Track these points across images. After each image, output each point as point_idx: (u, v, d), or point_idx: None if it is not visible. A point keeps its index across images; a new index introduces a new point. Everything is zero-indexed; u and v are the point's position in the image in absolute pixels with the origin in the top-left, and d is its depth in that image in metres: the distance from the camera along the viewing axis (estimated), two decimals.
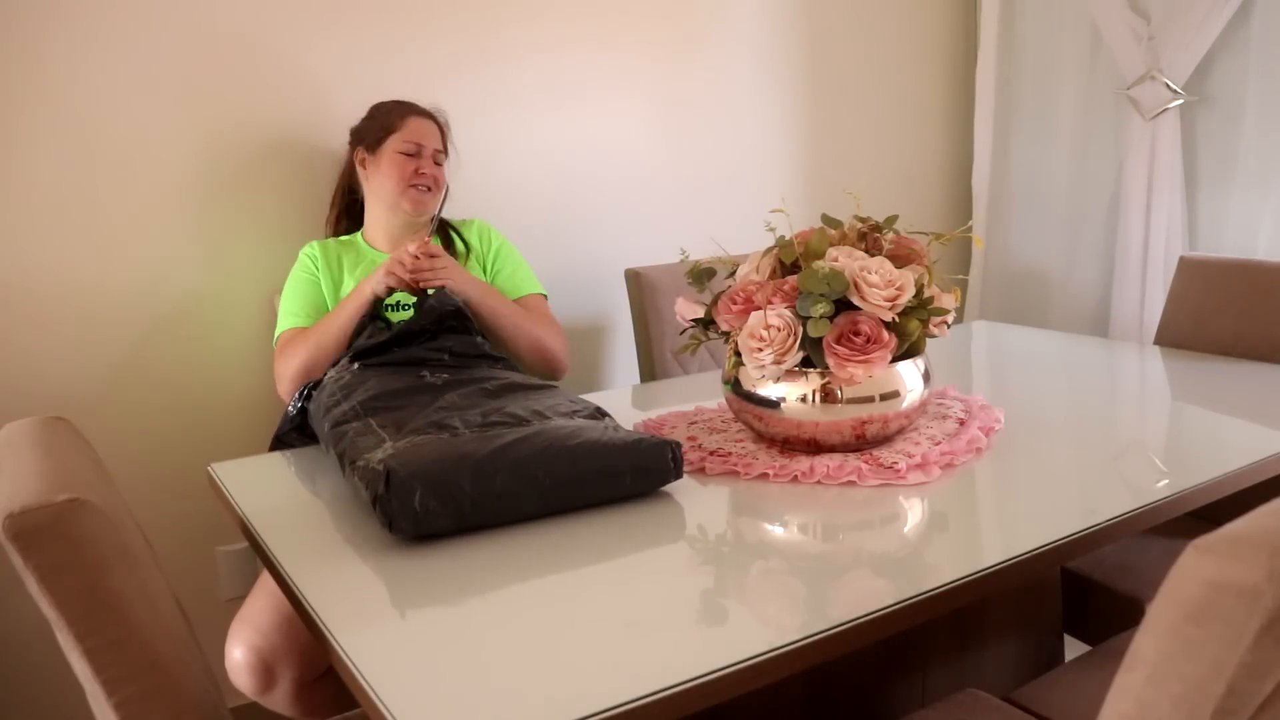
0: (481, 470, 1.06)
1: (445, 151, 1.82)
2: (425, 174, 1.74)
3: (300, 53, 1.90)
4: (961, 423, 1.37)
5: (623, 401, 1.69)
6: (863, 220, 1.33)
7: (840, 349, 1.19)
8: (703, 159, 2.43)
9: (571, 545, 1.05)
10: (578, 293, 2.27)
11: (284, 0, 1.86)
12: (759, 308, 1.24)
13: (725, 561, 1.02)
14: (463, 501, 1.05)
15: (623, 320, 2.27)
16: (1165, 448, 1.37)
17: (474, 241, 1.81)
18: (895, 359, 1.23)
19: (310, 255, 1.75)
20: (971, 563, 0.96)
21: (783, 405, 1.24)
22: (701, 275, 1.36)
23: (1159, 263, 2.39)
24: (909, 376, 1.25)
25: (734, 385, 1.30)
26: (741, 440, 1.34)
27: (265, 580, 1.50)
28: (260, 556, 1.11)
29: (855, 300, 1.21)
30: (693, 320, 1.37)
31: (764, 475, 1.23)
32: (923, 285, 1.25)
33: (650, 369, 2.06)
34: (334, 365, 1.49)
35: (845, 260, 1.23)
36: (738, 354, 1.26)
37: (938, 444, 1.28)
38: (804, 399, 1.23)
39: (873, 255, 1.26)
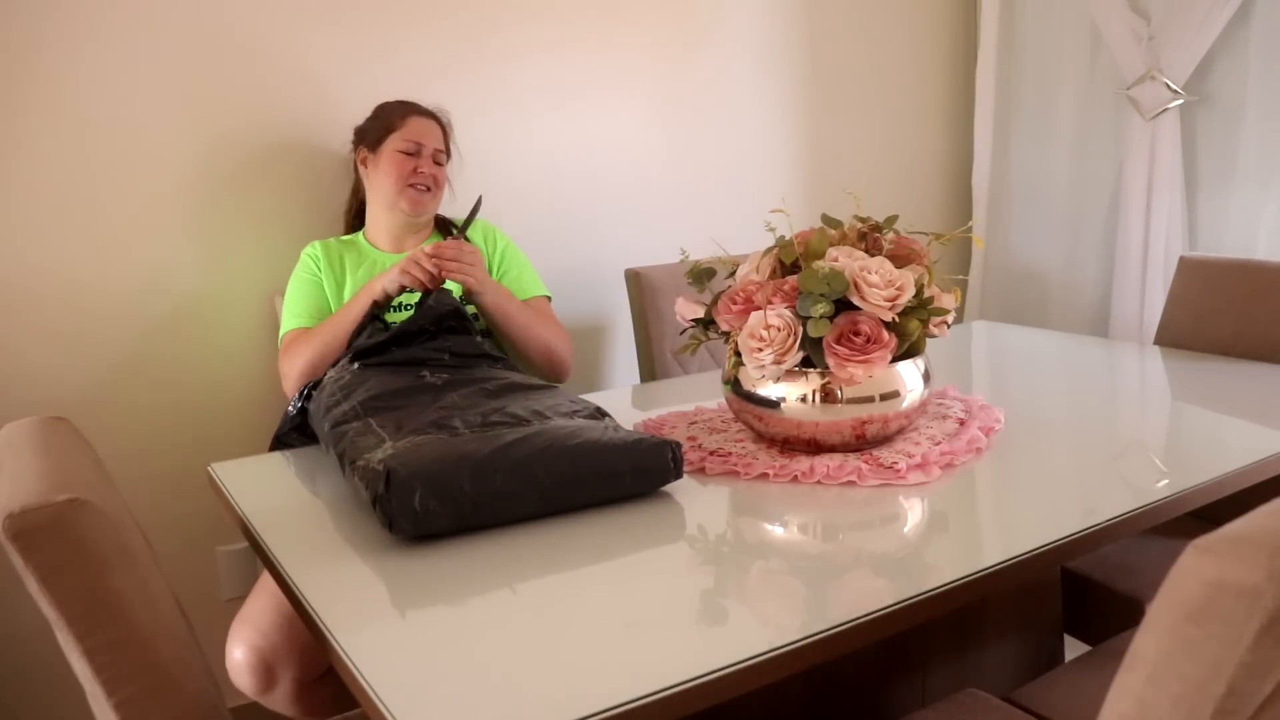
0: (481, 470, 1.06)
1: (447, 152, 1.82)
2: (424, 173, 1.73)
3: (300, 53, 1.90)
4: (961, 423, 1.37)
5: (623, 401, 1.69)
6: (863, 220, 1.33)
7: (840, 349, 1.19)
8: (703, 159, 2.43)
9: (571, 545, 1.05)
10: (578, 293, 2.27)
11: (284, 0, 1.87)
12: (759, 308, 1.24)
13: (725, 561, 1.02)
14: (463, 501, 1.05)
15: (623, 320, 2.27)
16: (1165, 448, 1.37)
17: (479, 242, 1.81)
18: (895, 359, 1.23)
19: (312, 256, 1.75)
20: (971, 563, 0.96)
21: (783, 405, 1.24)
22: (701, 275, 1.36)
23: (1159, 263, 2.39)
24: (909, 376, 1.25)
25: (734, 385, 1.30)
26: (741, 440, 1.34)
27: (266, 580, 1.50)
28: (260, 556, 1.11)
29: (855, 300, 1.21)
30: (693, 320, 1.37)
31: (764, 475, 1.23)
32: (923, 285, 1.25)
33: (650, 369, 2.06)
34: (334, 365, 1.49)
35: (845, 260, 1.23)
36: (738, 354, 1.26)
37: (938, 444, 1.28)
38: (804, 399, 1.23)
39: (873, 255, 1.26)
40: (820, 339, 1.20)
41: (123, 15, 1.73)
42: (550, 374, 1.72)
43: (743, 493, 1.20)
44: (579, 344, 2.24)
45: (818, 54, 2.58)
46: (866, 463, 1.23)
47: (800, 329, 1.21)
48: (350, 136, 1.82)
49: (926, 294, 1.26)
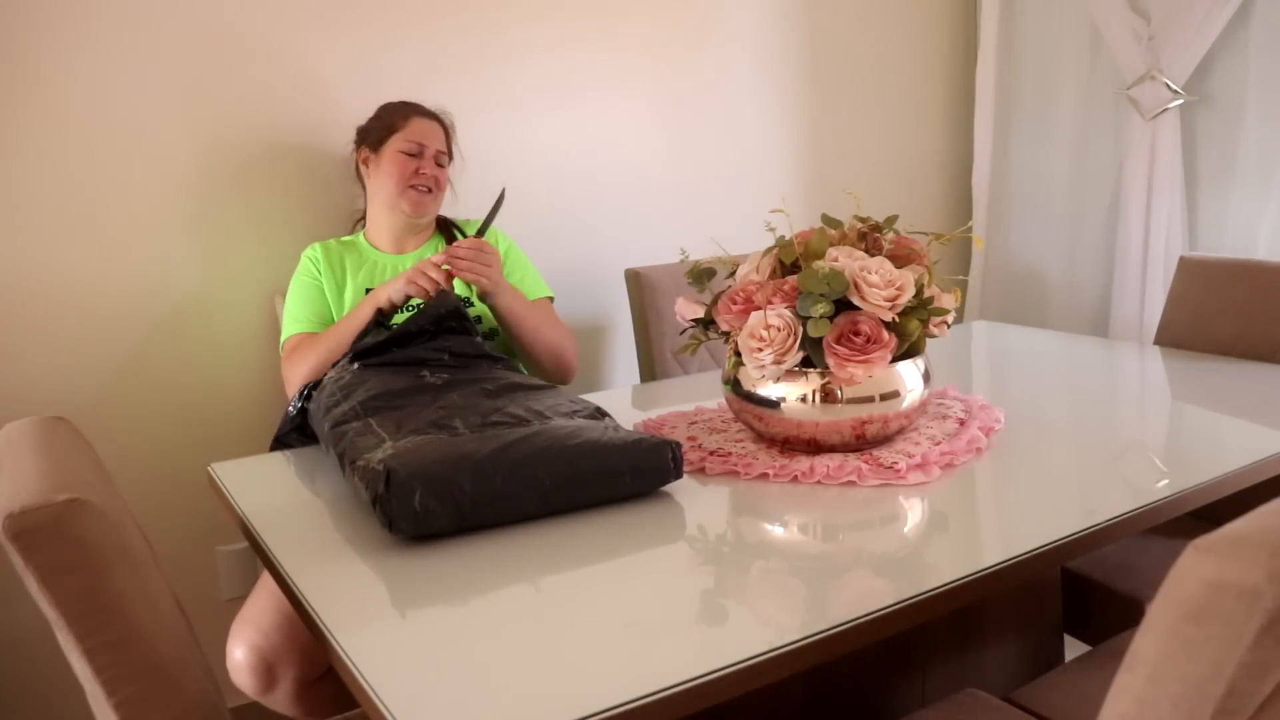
0: (481, 470, 1.06)
1: (450, 154, 1.81)
2: (425, 174, 1.73)
3: (301, 53, 1.90)
4: (961, 423, 1.37)
5: (623, 401, 1.69)
6: (863, 220, 1.33)
7: (840, 349, 1.19)
8: (703, 159, 2.43)
9: (571, 545, 1.05)
10: (578, 293, 2.27)
11: (284, 0, 1.87)
12: (759, 308, 1.24)
13: (725, 561, 1.02)
14: (463, 501, 1.05)
15: (623, 320, 2.27)
16: (1165, 448, 1.37)
17: None
18: (895, 359, 1.23)
19: (312, 258, 1.74)
20: (971, 563, 0.96)
21: (783, 405, 1.24)
22: (701, 275, 1.36)
23: (1159, 263, 2.39)
24: (909, 376, 1.25)
25: (734, 385, 1.30)
26: (741, 440, 1.34)
27: (266, 580, 1.50)
28: (260, 556, 1.11)
29: (855, 300, 1.21)
30: (693, 320, 1.37)
31: (764, 475, 1.23)
32: (923, 285, 1.25)
33: (650, 369, 2.06)
34: (334, 365, 1.49)
35: (845, 260, 1.23)
36: (738, 354, 1.26)
37: (938, 444, 1.28)
38: (804, 399, 1.23)
39: (873, 255, 1.26)
40: (820, 339, 1.20)
41: (123, 15, 1.73)
42: (557, 376, 1.72)
43: (743, 493, 1.20)
44: (579, 344, 2.23)
45: (818, 54, 2.58)
46: (866, 463, 1.23)
47: (800, 329, 1.21)
48: (350, 136, 1.82)
49: (926, 294, 1.26)
